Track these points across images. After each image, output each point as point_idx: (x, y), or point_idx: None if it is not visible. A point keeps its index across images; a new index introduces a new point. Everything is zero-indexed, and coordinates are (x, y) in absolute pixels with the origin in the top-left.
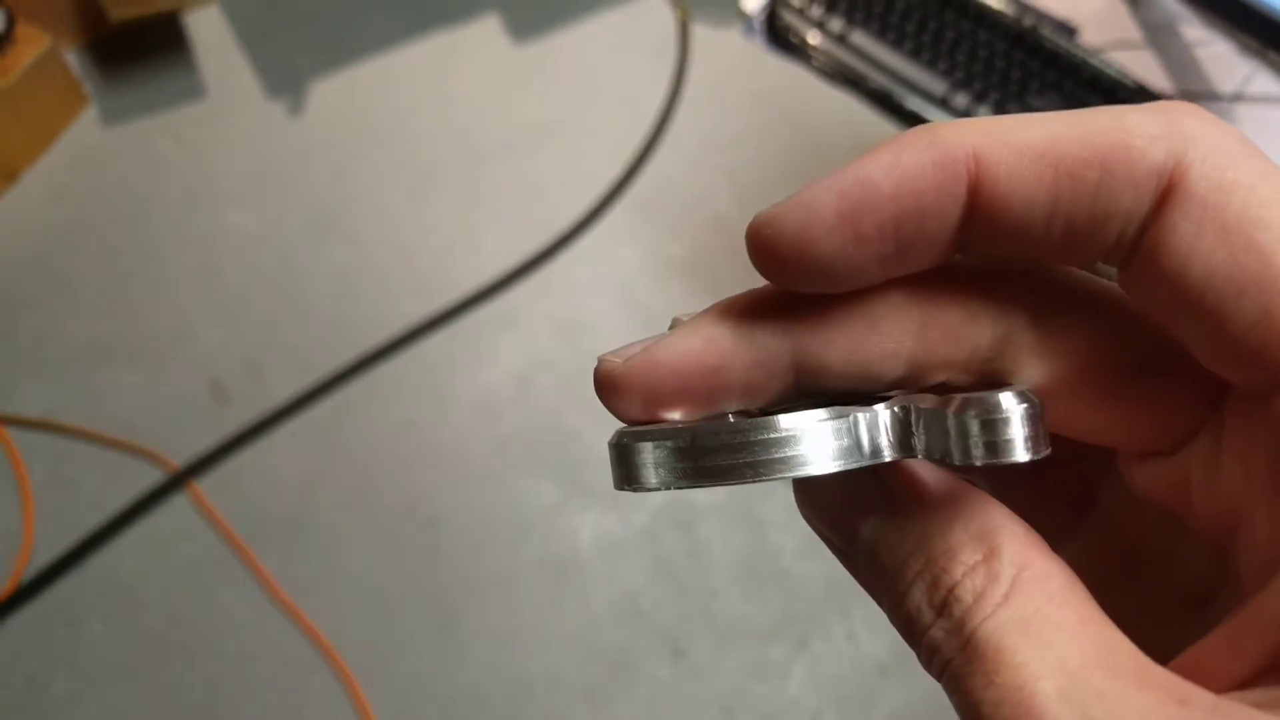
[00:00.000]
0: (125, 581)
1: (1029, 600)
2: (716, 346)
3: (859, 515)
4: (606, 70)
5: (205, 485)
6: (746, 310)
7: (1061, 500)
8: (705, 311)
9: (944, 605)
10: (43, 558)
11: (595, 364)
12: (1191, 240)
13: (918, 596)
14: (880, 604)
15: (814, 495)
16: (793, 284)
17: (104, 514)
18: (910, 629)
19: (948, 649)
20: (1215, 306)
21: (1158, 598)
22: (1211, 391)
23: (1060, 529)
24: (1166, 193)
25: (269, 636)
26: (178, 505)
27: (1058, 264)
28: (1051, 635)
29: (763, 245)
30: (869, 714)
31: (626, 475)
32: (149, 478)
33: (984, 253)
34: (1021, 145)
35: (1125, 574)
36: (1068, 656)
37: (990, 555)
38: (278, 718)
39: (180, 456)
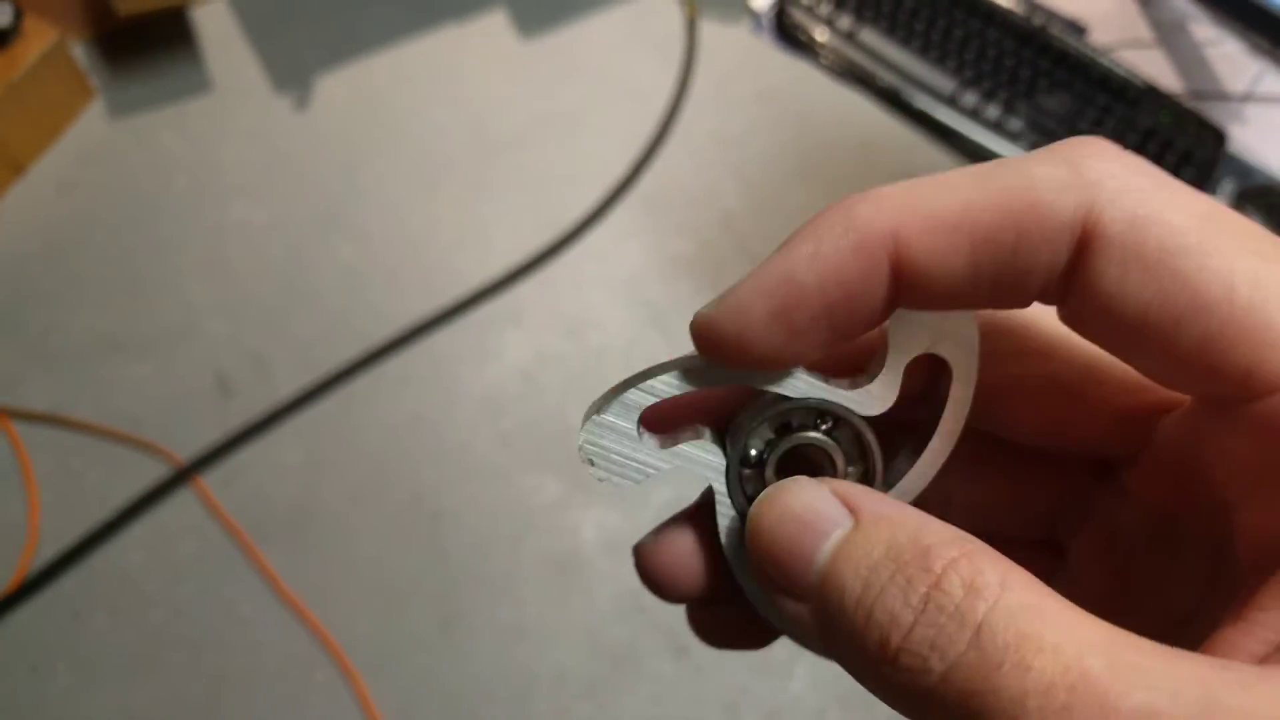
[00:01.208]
0: (130, 575)
1: (1027, 591)
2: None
3: (817, 540)
4: (614, 66)
5: (210, 480)
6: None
7: (1035, 548)
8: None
9: (926, 601)
10: (48, 551)
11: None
12: (1119, 281)
13: (891, 600)
14: (833, 646)
15: (768, 525)
16: (746, 367)
17: (109, 508)
18: (884, 641)
19: (954, 644)
20: (1156, 336)
21: (1143, 627)
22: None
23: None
24: (1084, 240)
25: (273, 631)
26: (183, 500)
27: (990, 308)
28: (1069, 620)
29: (707, 345)
30: (872, 712)
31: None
32: (154, 472)
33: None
34: (935, 219)
35: (1108, 608)
36: (1094, 639)
37: (968, 553)
38: (281, 713)
39: (186, 451)
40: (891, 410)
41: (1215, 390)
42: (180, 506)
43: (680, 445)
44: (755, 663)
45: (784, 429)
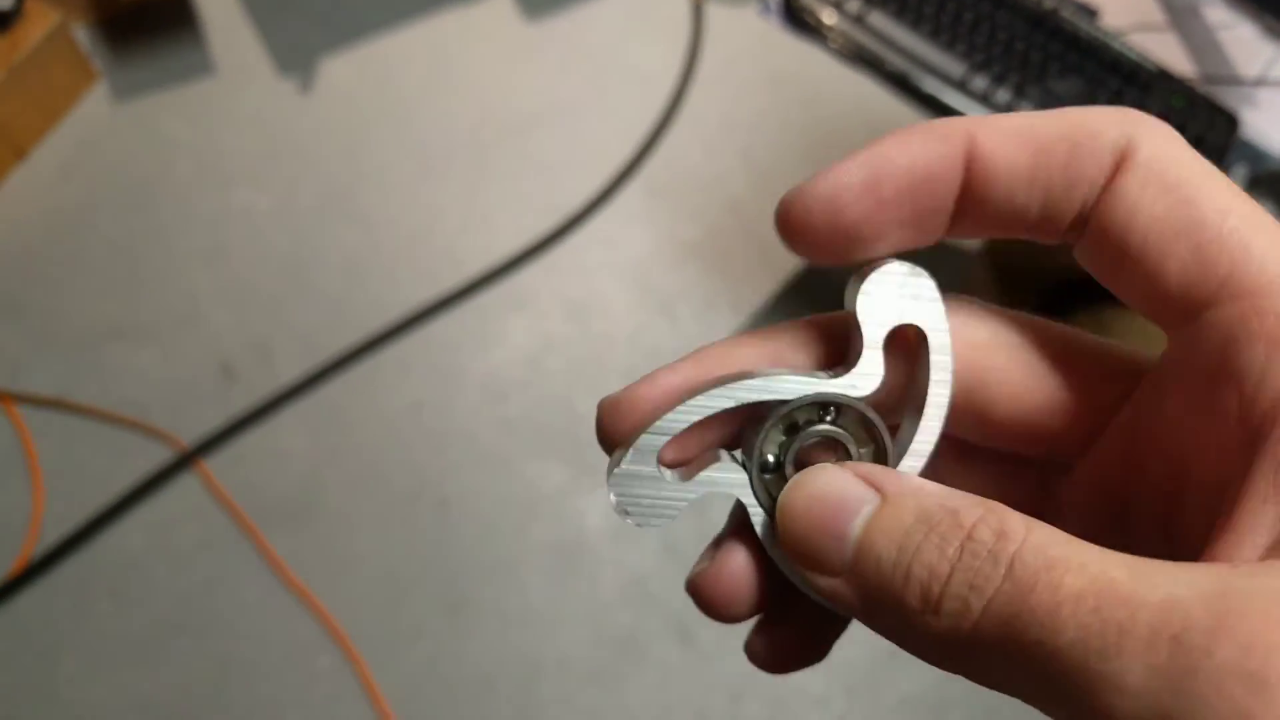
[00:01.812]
0: (134, 561)
1: (1052, 532)
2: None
3: (847, 517)
4: (619, 49)
5: (214, 465)
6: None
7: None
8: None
9: (961, 551)
10: (52, 536)
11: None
12: (1137, 196)
13: (928, 555)
14: (874, 614)
15: (798, 511)
16: (819, 253)
17: (113, 493)
18: (925, 593)
19: (990, 580)
20: (1156, 249)
21: None
22: (1126, 371)
23: None
24: (1120, 161)
25: (277, 617)
26: (186, 485)
27: (1032, 237)
28: (1091, 548)
29: (795, 216)
30: (877, 700)
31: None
32: (158, 457)
33: (974, 229)
34: (1006, 128)
35: None
36: (1116, 558)
37: (993, 508)
38: (285, 699)
39: (189, 436)
40: (886, 392)
41: (1193, 298)
42: (184, 492)
43: (702, 473)
44: None
45: (792, 429)
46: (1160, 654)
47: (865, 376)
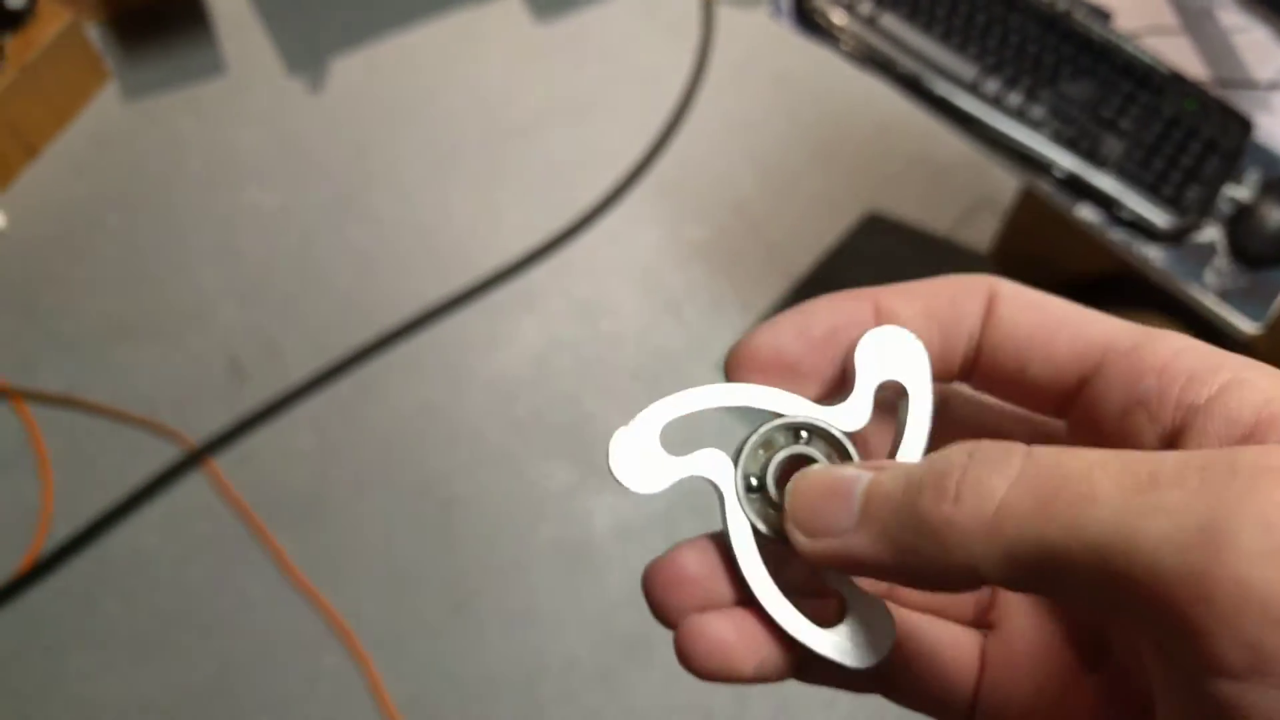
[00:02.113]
0: (142, 558)
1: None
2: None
3: (849, 486)
4: (629, 50)
5: (223, 463)
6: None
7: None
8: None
9: (970, 455)
10: (61, 532)
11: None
12: (1013, 314)
13: (940, 468)
14: (889, 548)
15: (805, 488)
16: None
17: (122, 490)
18: (941, 492)
19: (1009, 460)
20: (1042, 347)
21: None
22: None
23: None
24: (991, 299)
25: (284, 615)
26: (195, 483)
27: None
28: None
29: (745, 354)
30: (882, 701)
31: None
32: (167, 455)
33: None
34: (903, 288)
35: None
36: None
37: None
38: (291, 696)
39: (198, 434)
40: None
41: (1083, 371)
42: (192, 489)
43: (691, 454)
44: None
45: (767, 445)
46: (1192, 482)
47: (851, 414)
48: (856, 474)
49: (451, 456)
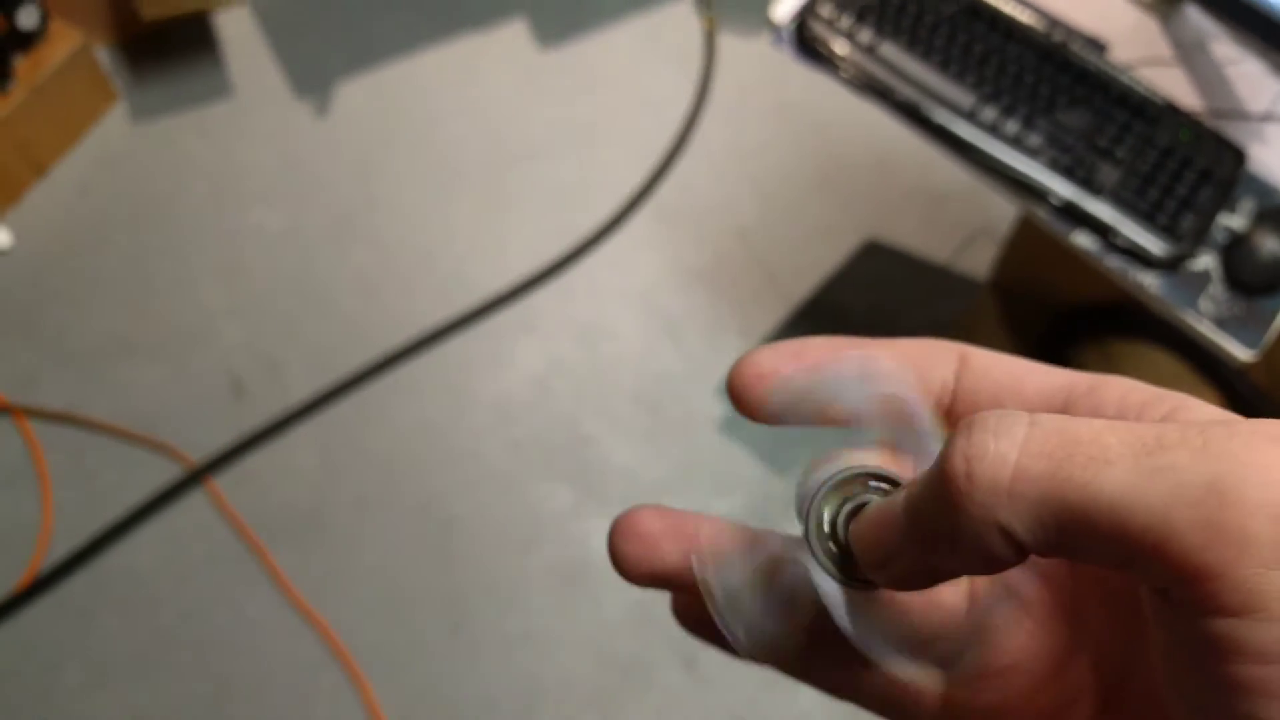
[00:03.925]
0: (140, 576)
1: None
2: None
3: (894, 510)
4: (632, 77)
5: (222, 482)
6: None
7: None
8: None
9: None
10: (60, 549)
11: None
12: (986, 366)
13: (957, 443)
14: (935, 532)
15: (862, 530)
16: (762, 405)
17: (121, 507)
18: (955, 467)
19: (1016, 426)
20: (1014, 391)
21: None
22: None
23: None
24: (962, 358)
25: (281, 635)
26: (194, 501)
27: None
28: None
29: (749, 369)
30: None
31: None
32: (167, 473)
33: None
34: (883, 344)
35: None
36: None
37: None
38: (288, 716)
39: (198, 452)
40: None
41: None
42: (192, 508)
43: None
44: (765, 678)
45: (829, 506)
46: (1196, 443)
47: (879, 456)
48: (897, 496)
49: (451, 477)
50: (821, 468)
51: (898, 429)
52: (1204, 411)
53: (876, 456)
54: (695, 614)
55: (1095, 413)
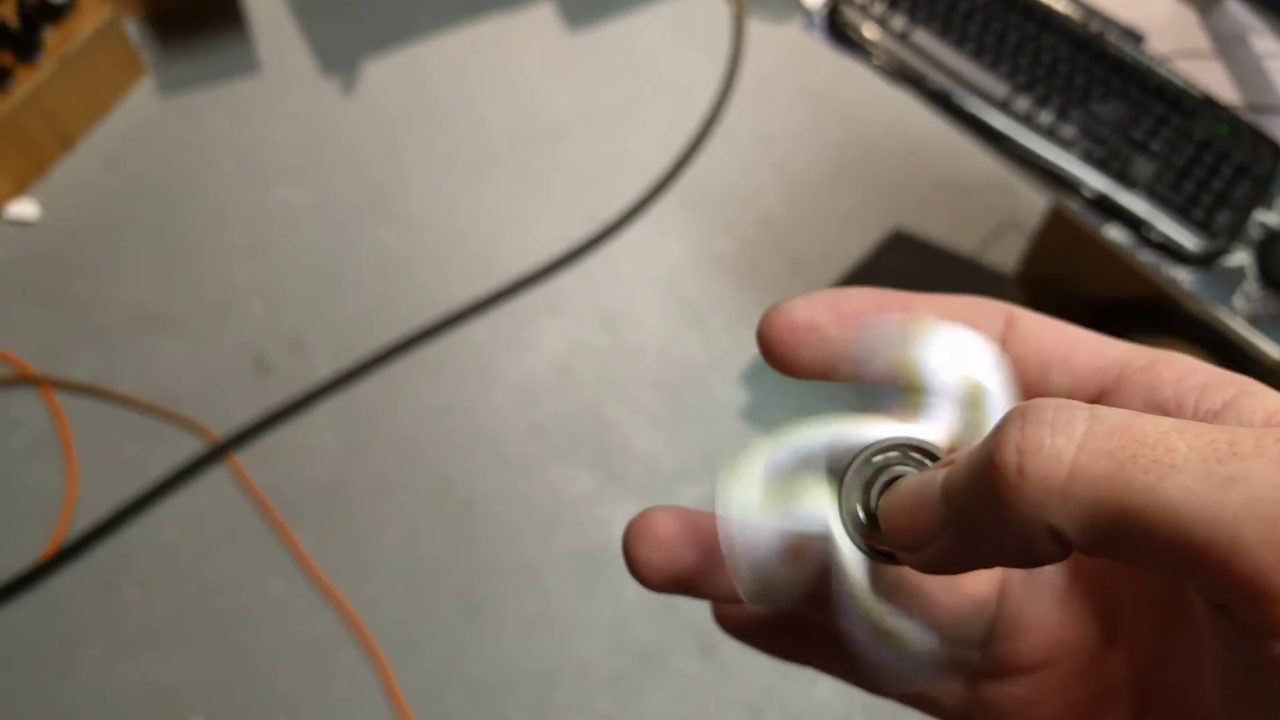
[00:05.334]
0: (163, 549)
1: None
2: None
3: (929, 489)
4: (659, 61)
5: (245, 457)
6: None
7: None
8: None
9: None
10: (84, 521)
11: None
12: (1035, 330)
13: (1008, 428)
14: (974, 530)
15: (893, 506)
16: (797, 349)
17: (145, 481)
18: (1019, 448)
19: (1075, 421)
20: (1063, 359)
21: None
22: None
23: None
24: (1010, 319)
25: (301, 611)
26: (217, 476)
27: None
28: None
29: (781, 317)
30: (896, 717)
31: None
32: (190, 447)
33: None
34: (925, 297)
35: None
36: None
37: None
38: (306, 692)
39: (221, 427)
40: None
41: (1106, 374)
42: (214, 483)
43: (797, 509)
44: (781, 666)
45: (863, 475)
46: (1273, 453)
47: (933, 423)
48: (934, 475)
49: (472, 459)
50: (855, 431)
51: (964, 412)
52: (1270, 400)
53: (912, 423)
54: (741, 620)
55: (1151, 390)
